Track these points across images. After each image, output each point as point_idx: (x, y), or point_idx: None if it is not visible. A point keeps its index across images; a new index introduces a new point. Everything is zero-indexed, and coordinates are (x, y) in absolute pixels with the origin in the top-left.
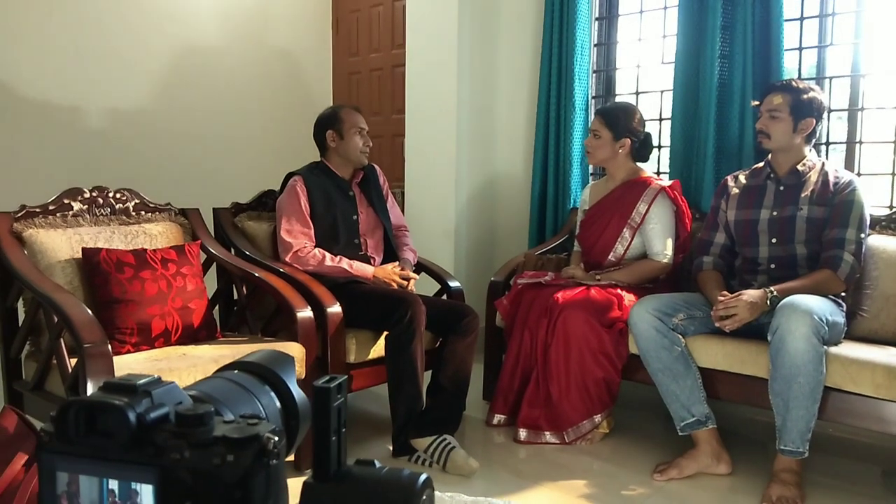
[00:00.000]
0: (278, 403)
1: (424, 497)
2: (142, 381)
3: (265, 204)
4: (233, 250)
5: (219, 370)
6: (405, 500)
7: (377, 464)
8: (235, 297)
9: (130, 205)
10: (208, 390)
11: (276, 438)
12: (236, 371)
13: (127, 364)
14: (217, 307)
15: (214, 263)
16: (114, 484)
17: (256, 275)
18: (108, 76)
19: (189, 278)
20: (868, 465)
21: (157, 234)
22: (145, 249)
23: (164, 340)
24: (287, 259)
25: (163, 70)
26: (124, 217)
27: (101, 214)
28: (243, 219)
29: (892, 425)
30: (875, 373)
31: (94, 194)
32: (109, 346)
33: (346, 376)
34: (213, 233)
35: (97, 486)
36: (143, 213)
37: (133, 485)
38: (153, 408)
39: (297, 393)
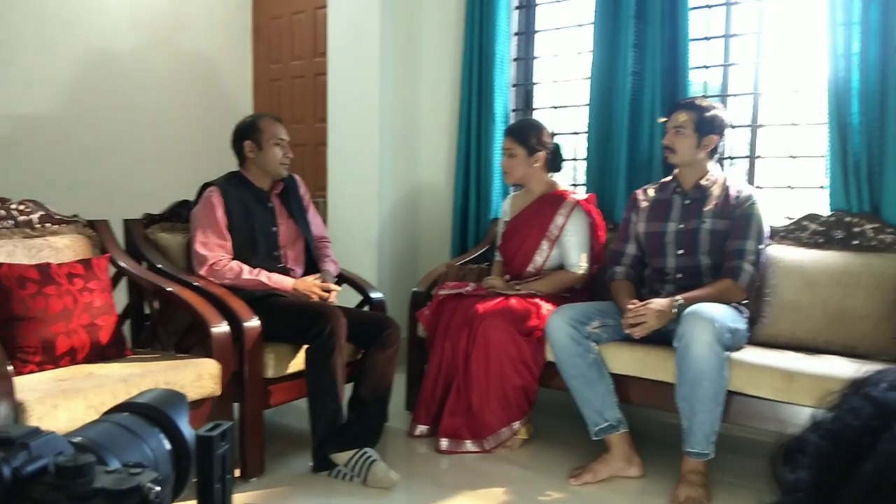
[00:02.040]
0: (168, 445)
1: None
2: (18, 433)
3: (179, 215)
4: (144, 263)
5: (108, 412)
6: None
7: None
8: (147, 311)
9: (34, 217)
10: (94, 436)
11: (158, 488)
12: (126, 413)
13: (30, 385)
14: (128, 323)
15: (125, 277)
16: None
17: (169, 289)
18: (10, 80)
19: (97, 294)
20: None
21: (63, 248)
22: (50, 264)
23: (70, 359)
24: (202, 272)
25: (69, 74)
26: (28, 230)
27: (3, 227)
28: (156, 230)
29: (790, 426)
30: (774, 377)
31: None
32: (10, 366)
33: (230, 423)
34: (123, 245)
35: None
36: (48, 225)
37: None
38: (31, 461)
39: (188, 432)
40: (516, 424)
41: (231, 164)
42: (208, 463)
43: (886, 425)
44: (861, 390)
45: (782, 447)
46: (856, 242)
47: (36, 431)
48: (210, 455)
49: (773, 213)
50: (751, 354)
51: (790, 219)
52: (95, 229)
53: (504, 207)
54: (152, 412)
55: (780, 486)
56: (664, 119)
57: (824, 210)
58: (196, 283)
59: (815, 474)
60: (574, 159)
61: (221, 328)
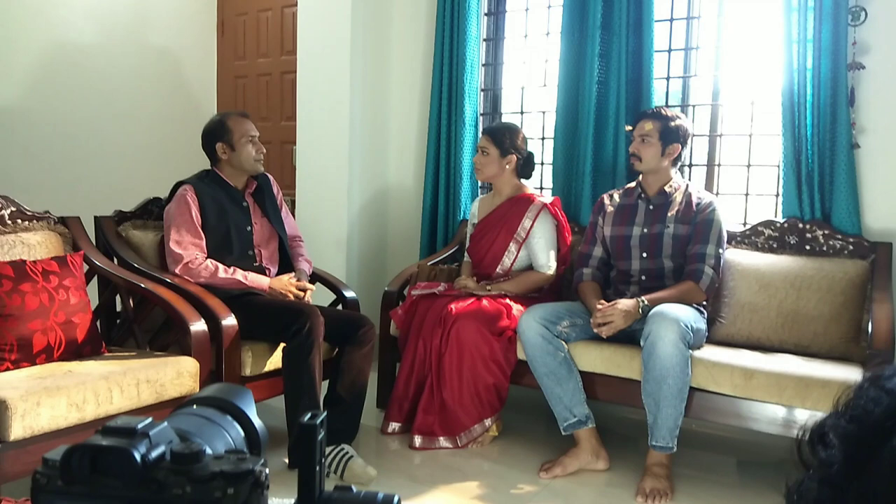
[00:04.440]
0: (243, 434)
1: None
2: (139, 424)
3: (151, 212)
4: (116, 260)
5: (177, 408)
6: None
7: (354, 489)
8: (119, 309)
9: (6, 213)
10: (183, 427)
11: (267, 471)
12: (194, 406)
13: (10, 382)
14: (98, 321)
15: (96, 275)
16: None
17: (144, 286)
18: None
19: (72, 291)
20: (726, 457)
21: (36, 245)
22: (25, 261)
23: (47, 357)
24: (177, 271)
25: (32, 69)
26: None
27: None
28: (127, 228)
29: (748, 420)
30: (733, 374)
31: None
32: None
33: (325, 412)
34: (94, 242)
35: None
36: (19, 221)
37: None
38: (152, 448)
39: (258, 423)
40: (488, 421)
41: (197, 160)
42: (311, 449)
43: None
44: (877, 383)
45: (809, 431)
46: (808, 247)
47: (153, 422)
48: (314, 441)
49: (730, 218)
50: (711, 353)
51: (746, 224)
52: (67, 226)
53: (472, 210)
54: (220, 403)
55: (808, 465)
56: (630, 127)
57: (778, 217)
58: (171, 281)
59: (845, 451)
60: (541, 164)
61: (200, 326)
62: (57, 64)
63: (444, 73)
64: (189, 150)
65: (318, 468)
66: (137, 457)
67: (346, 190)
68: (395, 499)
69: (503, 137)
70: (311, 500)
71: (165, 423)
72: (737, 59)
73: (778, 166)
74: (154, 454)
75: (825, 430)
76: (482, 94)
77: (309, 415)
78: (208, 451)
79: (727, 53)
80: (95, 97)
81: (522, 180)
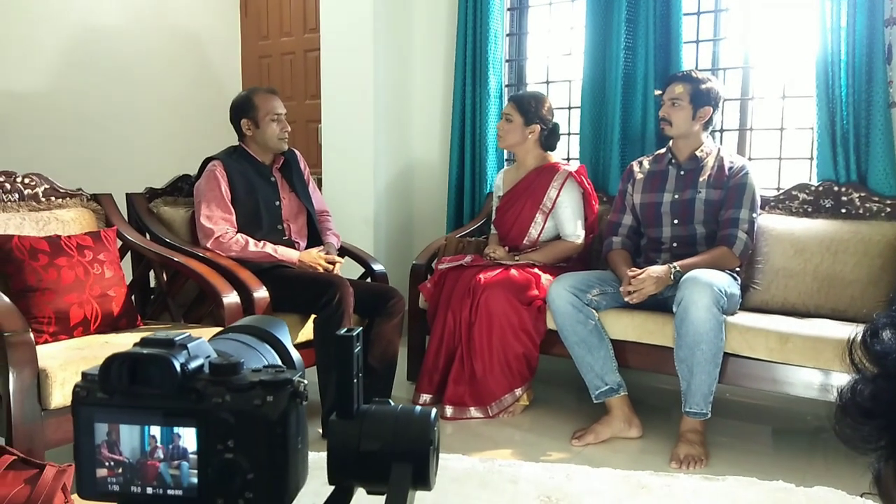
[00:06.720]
0: (279, 360)
1: (436, 428)
2: (178, 336)
3: (181, 189)
4: (148, 236)
5: (213, 336)
6: (422, 430)
7: (392, 402)
8: (153, 284)
9: (40, 190)
10: (220, 348)
11: (306, 382)
12: (230, 333)
13: (48, 353)
14: (133, 296)
15: (129, 251)
16: (155, 430)
17: (177, 260)
18: (3, 58)
19: (107, 265)
20: (761, 425)
21: (70, 221)
22: (59, 236)
23: (83, 329)
24: (208, 245)
25: (62, 51)
26: (34, 203)
27: (10, 200)
28: (158, 204)
29: (784, 385)
30: (769, 338)
31: (0, 179)
32: (31, 335)
33: (361, 328)
34: (126, 219)
35: (138, 433)
36: (53, 198)
37: (175, 429)
38: (191, 359)
39: (294, 353)
40: (518, 391)
41: (223, 138)
42: (348, 360)
43: None
44: None
45: (861, 332)
46: (844, 211)
47: (189, 336)
48: (350, 353)
49: (764, 183)
50: (746, 318)
51: (780, 189)
52: (99, 203)
53: (496, 182)
54: (256, 331)
55: (860, 369)
56: (660, 92)
57: (812, 180)
58: (203, 255)
59: None
60: (567, 134)
61: (233, 298)
62: (84, 47)
63: (467, 45)
64: (215, 129)
65: (355, 381)
66: (177, 366)
67: (372, 166)
68: (433, 413)
69: (528, 105)
70: (350, 412)
71: (202, 338)
72: (768, 20)
73: (812, 129)
74: (193, 365)
75: (878, 328)
76: (507, 64)
77: (346, 329)
78: (246, 365)
79: (757, 14)
80: (123, 79)
81: (547, 152)
